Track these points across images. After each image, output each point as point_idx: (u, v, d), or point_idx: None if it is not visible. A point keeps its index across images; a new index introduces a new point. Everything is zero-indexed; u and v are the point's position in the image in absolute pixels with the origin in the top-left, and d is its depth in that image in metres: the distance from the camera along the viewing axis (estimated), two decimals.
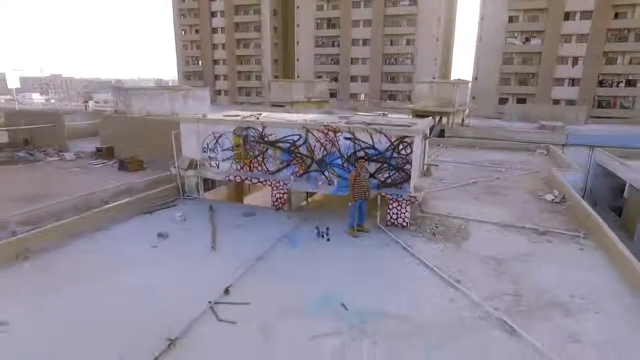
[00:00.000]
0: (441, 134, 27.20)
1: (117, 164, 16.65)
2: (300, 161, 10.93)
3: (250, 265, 8.20)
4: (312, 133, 10.62)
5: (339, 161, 10.55)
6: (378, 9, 65.60)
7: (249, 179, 11.55)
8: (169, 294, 7.17)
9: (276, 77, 77.29)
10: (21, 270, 7.97)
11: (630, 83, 56.84)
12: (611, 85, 58.02)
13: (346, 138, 10.33)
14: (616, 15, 55.82)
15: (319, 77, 72.01)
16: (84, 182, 14.80)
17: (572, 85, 59.21)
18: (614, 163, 17.89)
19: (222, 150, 11.64)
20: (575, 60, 58.43)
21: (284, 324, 6.31)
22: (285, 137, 10.93)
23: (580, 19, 57.06)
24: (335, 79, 70.81)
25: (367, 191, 9.82)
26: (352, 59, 69.96)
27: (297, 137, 10.77)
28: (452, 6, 73.50)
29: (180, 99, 23.95)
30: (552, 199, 12.62)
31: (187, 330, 6.07)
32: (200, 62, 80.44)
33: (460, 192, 13.86)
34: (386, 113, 35.56)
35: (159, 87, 33.32)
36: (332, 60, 71.74)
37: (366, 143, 10.18)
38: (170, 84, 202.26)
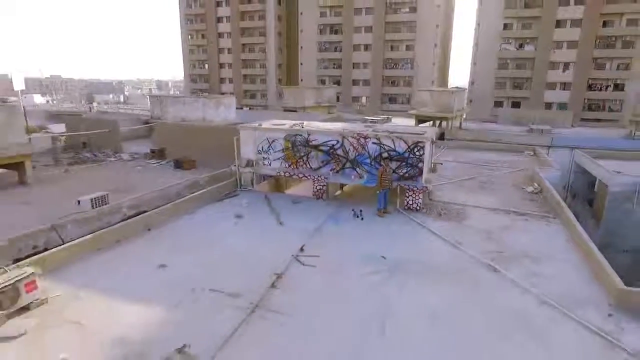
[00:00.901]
0: (441, 136, 30.63)
1: (171, 163, 19.93)
2: (337, 160, 14.34)
3: (311, 234, 11.60)
4: (347, 139, 14.04)
5: (368, 160, 13.97)
6: (379, 15, 69.14)
7: (296, 174, 14.94)
8: (261, 251, 10.54)
9: (280, 80, 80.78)
10: (150, 235, 11.33)
11: (617, 87, 60.62)
12: (600, 89, 61.80)
13: (374, 143, 13.75)
14: (604, 24, 59.59)
15: (322, 81, 75.62)
16: (150, 177, 18.13)
17: (564, 89, 62.94)
18: (588, 162, 21.40)
19: (274, 152, 15.02)
20: (566, 66, 62.15)
21: (344, 268, 9.70)
22: (325, 142, 14.33)
23: (570, 27, 60.78)
24: (338, 83, 74.20)
25: (390, 183, 13.24)
26: (354, 63, 73.44)
27: (335, 142, 14.18)
28: (449, 13, 77.21)
29: (212, 106, 27.27)
30: (532, 191, 16.09)
31: (284, 270, 9.46)
32: (206, 65, 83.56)
33: (458, 185, 17.29)
34: (390, 117, 39.00)
35: (194, 96, 36.51)
36: (334, 64, 75.18)
37: (389, 147, 13.60)
38: (170, 85, 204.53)
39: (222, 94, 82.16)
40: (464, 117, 39.99)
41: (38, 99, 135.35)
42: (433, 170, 15.57)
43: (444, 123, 34.42)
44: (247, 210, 13.47)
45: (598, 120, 59.85)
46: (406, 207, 13.72)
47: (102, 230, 10.77)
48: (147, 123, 27.69)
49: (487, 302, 8.30)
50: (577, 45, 60.71)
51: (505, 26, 64.94)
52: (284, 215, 13.11)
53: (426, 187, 13.51)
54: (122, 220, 11.73)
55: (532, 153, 24.86)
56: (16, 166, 16.28)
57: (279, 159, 15.09)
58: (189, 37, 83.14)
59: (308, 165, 14.79)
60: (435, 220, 12.98)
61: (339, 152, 14.24)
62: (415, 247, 11.05)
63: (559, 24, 61.25)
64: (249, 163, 15.36)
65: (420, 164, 13.44)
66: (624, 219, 17.45)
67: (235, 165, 15.51)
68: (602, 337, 7.14)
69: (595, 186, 19.88)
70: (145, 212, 12.40)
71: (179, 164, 19.39)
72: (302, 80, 76.67)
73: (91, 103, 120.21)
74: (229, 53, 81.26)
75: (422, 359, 6.64)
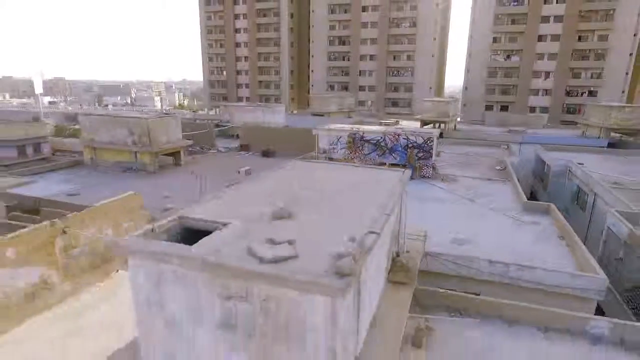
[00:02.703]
0: (440, 135, 40.75)
1: (257, 153, 29.86)
2: (380, 149, 24.38)
3: None
4: (387, 136, 24.08)
5: (400, 149, 24.03)
6: (383, 29, 79.52)
7: (354, 158, 24.95)
8: None
9: (292, 86, 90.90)
10: None
11: (591, 93, 71.37)
12: (576, 95, 72.57)
13: (403, 138, 23.82)
14: (579, 39, 70.41)
15: (331, 86, 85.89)
16: (249, 162, 27.97)
17: (545, 95, 73.67)
18: (542, 153, 31.64)
19: (341, 144, 25.02)
20: (547, 74, 72.92)
21: None
22: (373, 138, 24.36)
23: (551, 41, 71.55)
24: (346, 88, 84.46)
25: (414, 161, 23.31)
26: (360, 71, 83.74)
27: (380, 137, 24.22)
28: (445, 26, 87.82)
29: (269, 113, 37.26)
30: (498, 168, 26.27)
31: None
32: (224, 72, 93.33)
33: (453, 165, 27.37)
34: (399, 120, 49.19)
35: (254, 104, 46.55)
36: (342, 72, 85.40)
37: (413, 140, 23.67)
38: (173, 87, 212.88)
39: (239, 98, 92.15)
40: (458, 120, 50.34)
41: (47, 101, 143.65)
42: (437, 155, 25.67)
43: (442, 125, 44.62)
44: None
45: (575, 123, 70.52)
46: (422, 176, 23.79)
47: None
48: (218, 126, 37.56)
49: (466, 209, 18.36)
50: (557, 57, 71.46)
51: (495, 39, 75.52)
52: None
53: (433, 163, 23.63)
54: None
55: (506, 147, 35.09)
56: (173, 154, 25.88)
57: (343, 148, 25.09)
58: (209, 46, 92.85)
59: (362, 152, 24.81)
60: (440, 182, 23.04)
61: (382, 143, 24.30)
62: (430, 193, 21.12)
63: (540, 38, 71.97)
64: (324, 151, 25.34)
65: (430, 150, 23.54)
66: (559, 188, 27.65)
67: (315, 153, 25.49)
68: (514, 223, 17.23)
69: (545, 167, 30.12)
70: None
71: (265, 154, 29.32)
72: (312, 85, 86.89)
73: (107, 105, 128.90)
74: (245, 61, 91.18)
75: (442, 222, 16.63)
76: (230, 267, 4.36)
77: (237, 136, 34.91)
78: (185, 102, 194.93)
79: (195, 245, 4.74)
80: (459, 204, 19.24)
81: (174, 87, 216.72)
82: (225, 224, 5.43)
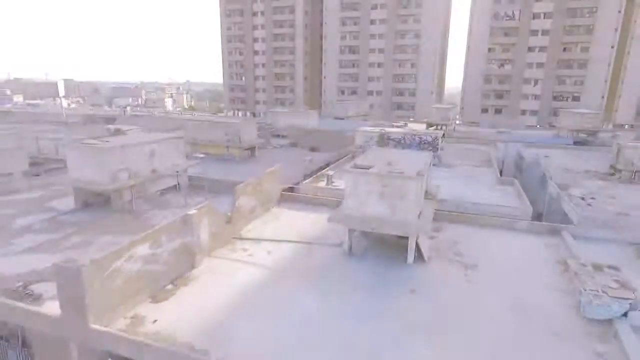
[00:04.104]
0: (443, 135, 51.20)
1: (306, 149, 40.20)
2: (400, 145, 34.80)
3: None
4: (406, 136, 34.53)
5: (415, 145, 34.46)
6: (389, 39, 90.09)
7: None
8: None
9: (305, 91, 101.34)
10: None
11: (575, 98, 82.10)
12: (562, 100, 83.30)
13: (419, 137, 34.29)
14: (564, 50, 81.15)
15: (342, 91, 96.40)
16: (307, 154, 38.30)
17: (535, 99, 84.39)
18: (521, 149, 42.13)
19: (372, 142, 35.39)
20: (536, 81, 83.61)
21: None
22: (396, 137, 34.79)
23: (539, 52, 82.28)
24: (355, 93, 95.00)
25: None
26: (368, 77, 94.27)
27: (401, 137, 34.66)
28: (446, 32, 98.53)
29: (306, 117, 47.68)
30: (485, 159, 36.77)
31: None
32: (243, 77, 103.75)
33: (453, 157, 37.74)
34: (407, 123, 59.73)
35: (294, 110, 57.04)
36: (352, 78, 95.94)
37: (424, 139, 34.14)
38: (180, 88, 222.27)
39: (257, 101, 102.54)
40: (457, 122, 61.00)
41: (65, 102, 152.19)
42: (441, 149, 36.15)
43: (444, 127, 55.12)
44: None
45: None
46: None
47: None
48: (264, 129, 47.88)
49: (461, 182, 28.78)
50: (544, 66, 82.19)
51: (490, 50, 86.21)
52: None
53: (439, 155, 34.11)
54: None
55: (494, 145, 45.56)
56: (250, 149, 36.06)
57: (373, 144, 35.45)
58: (229, 53, 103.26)
59: (388, 148, 35.19)
60: (444, 167, 33.41)
61: (402, 141, 34.70)
62: (437, 174, 31.46)
63: (530, 49, 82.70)
64: (360, 146, 35.70)
65: (437, 146, 33.99)
66: (531, 174, 38.08)
67: (353, 147, 35.86)
68: (489, 189, 27.70)
69: (522, 160, 40.65)
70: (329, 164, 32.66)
71: (312, 149, 39.63)
72: (324, 91, 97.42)
73: (125, 107, 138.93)
74: (262, 67, 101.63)
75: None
76: (386, 175, 14.76)
77: (281, 136, 45.24)
78: (192, 104, 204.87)
79: (370, 169, 15.16)
80: (456, 180, 29.66)
81: (181, 89, 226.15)
82: (371, 166, 15.83)
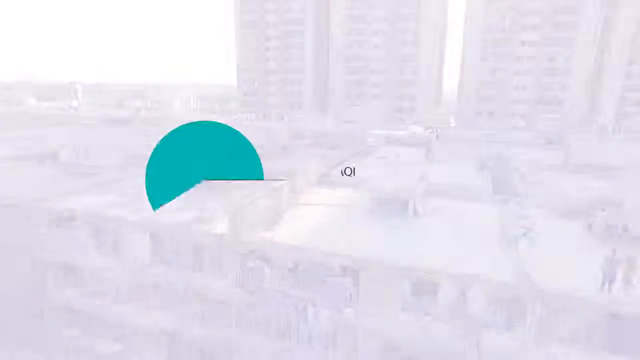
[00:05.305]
0: (436, 137, 61.20)
1: (326, 147, 50.13)
2: (403, 143, 44.79)
3: None
4: (408, 136, 44.47)
5: (415, 143, 44.47)
6: (390, 48, 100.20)
7: None
8: None
9: (313, 94, 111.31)
10: None
11: (559, 103, 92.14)
12: (548, 105, 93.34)
13: (417, 138, 44.26)
14: (549, 60, 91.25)
15: (348, 96, 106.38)
16: (327, 152, 48.24)
17: (524, 104, 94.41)
18: (501, 148, 52.06)
19: (382, 142, 45.33)
20: (524, 87, 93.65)
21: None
22: (399, 137, 44.74)
23: (526, 61, 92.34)
24: (359, 97, 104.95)
25: None
26: (371, 83, 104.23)
27: (403, 137, 44.61)
28: (444, 35, 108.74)
29: (325, 121, 57.63)
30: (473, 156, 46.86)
31: None
32: (255, 82, 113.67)
33: (442, 153, 47.63)
34: (407, 126, 69.82)
35: (313, 115, 67.12)
36: (357, 83, 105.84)
37: (422, 139, 44.11)
38: (187, 90, 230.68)
39: (267, 105, 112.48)
40: (452, 125, 71.23)
41: (74, 104, 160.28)
42: (434, 148, 46.16)
43: (438, 130, 65.07)
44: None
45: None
46: None
47: None
48: None
49: (450, 170, 38.71)
50: (532, 73, 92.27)
51: (483, 59, 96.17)
52: None
53: (433, 151, 44.13)
54: None
55: (480, 144, 55.51)
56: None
57: (389, 143, 45.38)
58: (242, 60, 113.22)
59: None
60: (435, 161, 43.29)
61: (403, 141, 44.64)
62: (429, 166, 41.43)
63: (518, 59, 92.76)
64: (371, 146, 45.60)
65: (431, 146, 43.93)
66: (507, 168, 47.93)
67: (366, 147, 45.79)
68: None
69: (502, 156, 50.60)
70: None
71: (331, 147, 49.46)
72: (333, 93, 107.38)
73: (140, 110, 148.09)
74: (273, 73, 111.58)
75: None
76: (397, 162, 24.73)
77: (301, 137, 55.20)
78: (197, 105, 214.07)
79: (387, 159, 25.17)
80: (445, 171, 39.50)
81: (188, 91, 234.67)
82: (386, 157, 25.82)
